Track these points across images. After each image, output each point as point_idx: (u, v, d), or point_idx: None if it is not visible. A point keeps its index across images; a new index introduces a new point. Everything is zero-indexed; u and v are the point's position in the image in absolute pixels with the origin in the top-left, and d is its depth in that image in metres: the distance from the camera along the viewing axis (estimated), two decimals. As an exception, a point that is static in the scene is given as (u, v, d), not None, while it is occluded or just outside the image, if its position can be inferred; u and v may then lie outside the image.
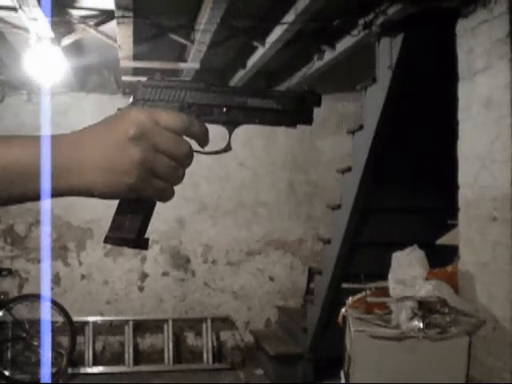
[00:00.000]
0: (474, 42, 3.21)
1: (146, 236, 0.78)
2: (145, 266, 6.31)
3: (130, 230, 0.76)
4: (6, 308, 5.71)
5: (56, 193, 0.71)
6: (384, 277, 3.26)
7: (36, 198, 0.71)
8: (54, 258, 6.11)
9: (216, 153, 0.80)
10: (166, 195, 0.74)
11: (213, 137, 0.84)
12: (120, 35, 4.15)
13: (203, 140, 0.77)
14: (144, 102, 0.78)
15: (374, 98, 4.13)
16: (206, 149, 0.79)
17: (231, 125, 0.79)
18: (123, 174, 0.70)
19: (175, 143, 0.72)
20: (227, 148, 0.80)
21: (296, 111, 0.79)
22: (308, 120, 0.80)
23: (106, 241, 0.76)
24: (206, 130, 0.77)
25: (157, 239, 6.19)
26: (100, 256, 6.23)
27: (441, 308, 2.85)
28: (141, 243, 0.77)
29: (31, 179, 0.69)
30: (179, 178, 0.74)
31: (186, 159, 0.73)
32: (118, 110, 0.76)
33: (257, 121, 0.79)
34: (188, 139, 0.76)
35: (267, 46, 4.49)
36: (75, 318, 5.76)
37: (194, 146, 0.77)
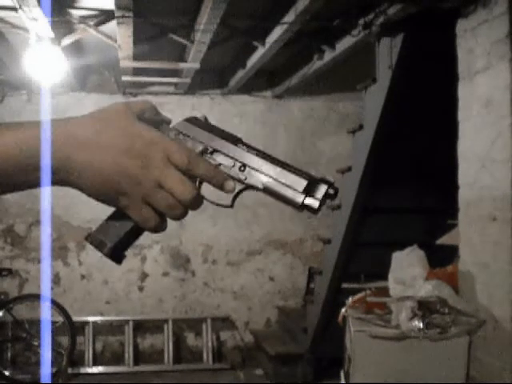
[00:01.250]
0: (473, 42, 3.21)
1: (126, 252, 0.76)
2: (145, 266, 6.31)
3: (111, 238, 0.75)
4: (6, 308, 5.71)
5: (51, 183, 0.70)
6: (384, 277, 3.26)
7: (32, 186, 0.70)
8: (54, 258, 6.11)
9: (218, 205, 0.79)
10: (156, 228, 0.72)
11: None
12: (120, 35, 4.15)
13: (214, 183, 0.75)
14: (177, 133, 0.79)
15: (374, 97, 4.12)
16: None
17: (242, 185, 0.78)
18: (119, 193, 0.69)
19: (181, 184, 0.70)
20: (231, 205, 0.79)
21: (305, 196, 0.76)
22: (315, 210, 0.76)
23: (86, 237, 0.76)
24: (221, 176, 0.74)
25: (157, 239, 6.19)
26: (100, 256, 6.15)
27: (441, 308, 2.85)
28: (114, 255, 0.76)
29: (27, 170, 0.68)
30: (178, 216, 0.72)
31: (189, 203, 0.71)
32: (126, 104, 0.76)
33: (266, 191, 0.77)
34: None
35: (267, 45, 4.49)
36: (75, 318, 5.76)
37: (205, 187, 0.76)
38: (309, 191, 0.76)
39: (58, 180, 0.70)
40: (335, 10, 4.06)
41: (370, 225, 4.61)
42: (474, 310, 3.04)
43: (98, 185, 0.69)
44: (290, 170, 0.78)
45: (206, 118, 0.81)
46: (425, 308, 2.84)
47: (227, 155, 0.78)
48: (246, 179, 0.77)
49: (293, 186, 0.76)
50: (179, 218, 0.72)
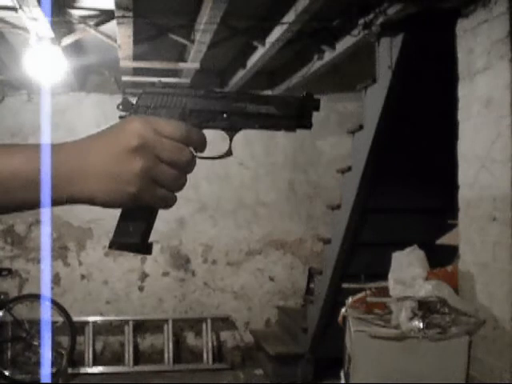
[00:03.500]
0: (473, 42, 3.21)
1: (150, 240, 0.78)
2: (145, 266, 6.31)
3: (134, 235, 0.76)
4: (6, 308, 5.71)
5: (58, 201, 0.71)
6: (384, 277, 3.26)
7: (38, 206, 0.71)
8: (54, 258, 6.11)
9: (217, 158, 0.80)
10: (168, 203, 0.75)
11: (214, 139, 0.85)
12: (120, 35, 4.15)
13: (201, 147, 0.78)
14: (146, 108, 0.78)
15: (374, 98, 4.13)
16: (207, 153, 0.79)
17: (232, 130, 0.79)
18: (125, 183, 0.71)
19: (177, 152, 0.73)
20: (228, 153, 0.80)
21: (295, 116, 0.80)
22: (307, 124, 0.80)
23: (110, 246, 0.77)
24: (204, 138, 0.78)
25: (157, 239, 6.19)
26: (100, 256, 6.23)
27: (441, 308, 2.85)
28: (145, 248, 0.78)
29: (33, 188, 0.69)
30: (181, 186, 0.74)
31: (187, 166, 0.74)
32: (120, 117, 0.77)
33: (257, 126, 0.80)
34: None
35: (267, 45, 4.48)
36: (75, 318, 5.76)
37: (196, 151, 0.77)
38: (296, 112, 0.80)
39: (65, 197, 0.71)
40: (335, 9, 4.06)
41: (370, 225, 4.61)
42: (474, 310, 3.03)
43: (106, 187, 0.71)
44: (271, 100, 0.80)
45: (160, 82, 0.82)
46: (425, 308, 2.84)
47: (206, 110, 0.78)
48: (233, 125, 0.79)
49: (279, 113, 0.79)
50: (182, 186, 0.75)
